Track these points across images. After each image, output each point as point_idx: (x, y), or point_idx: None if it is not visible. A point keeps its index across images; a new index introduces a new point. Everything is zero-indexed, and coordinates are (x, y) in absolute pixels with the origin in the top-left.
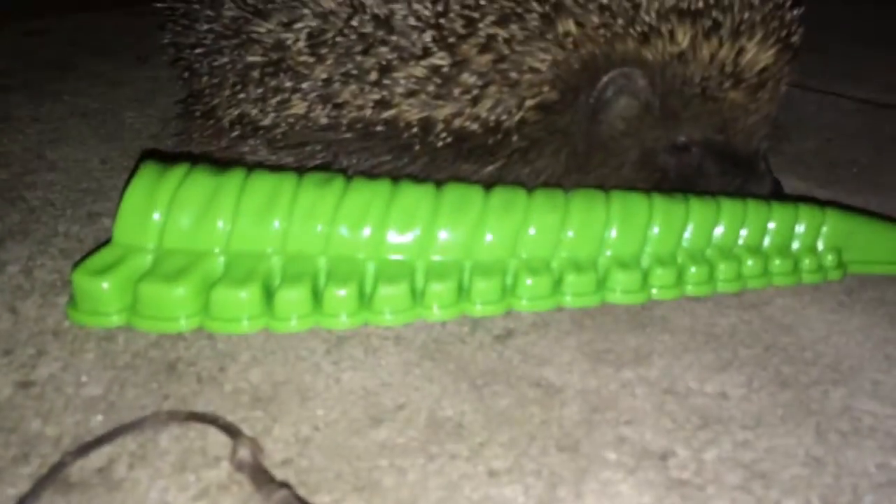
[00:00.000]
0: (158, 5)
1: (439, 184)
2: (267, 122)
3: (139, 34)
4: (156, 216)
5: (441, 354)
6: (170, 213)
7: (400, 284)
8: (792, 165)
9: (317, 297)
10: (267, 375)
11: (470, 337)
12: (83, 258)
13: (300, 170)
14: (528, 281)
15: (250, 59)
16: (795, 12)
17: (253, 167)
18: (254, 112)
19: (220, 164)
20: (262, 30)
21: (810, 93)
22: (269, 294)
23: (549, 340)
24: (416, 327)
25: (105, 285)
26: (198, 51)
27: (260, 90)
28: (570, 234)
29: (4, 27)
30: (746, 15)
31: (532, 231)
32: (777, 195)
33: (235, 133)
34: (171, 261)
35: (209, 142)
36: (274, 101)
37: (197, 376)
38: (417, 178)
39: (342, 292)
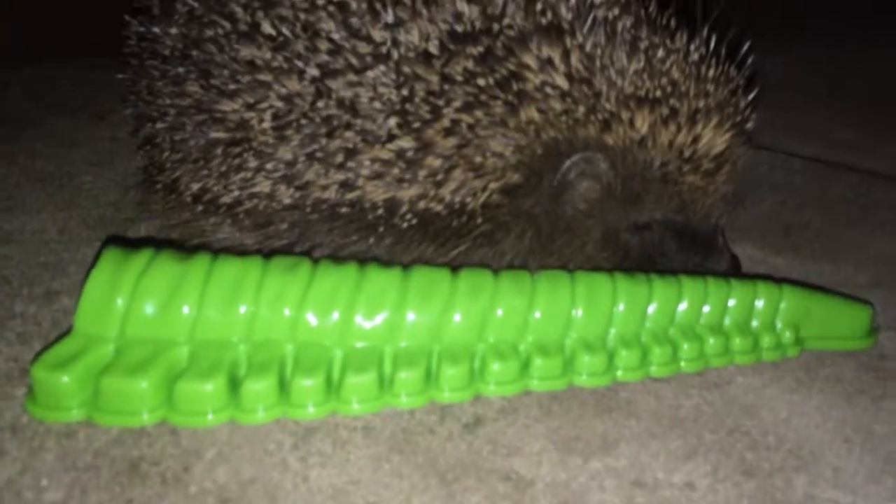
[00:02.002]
0: (119, 77)
1: (406, 267)
2: (230, 199)
3: (97, 88)
4: (118, 305)
5: (410, 446)
6: (133, 301)
7: (368, 373)
8: (748, 231)
9: (284, 386)
10: (233, 474)
11: (439, 426)
12: (43, 349)
13: (265, 252)
14: (496, 366)
15: (214, 135)
16: (749, 97)
17: (218, 251)
18: (216, 188)
19: (185, 247)
20: (226, 108)
21: (762, 151)
22: (234, 384)
23: (517, 428)
24: (385, 416)
25: (66, 379)
26: (160, 125)
27: (223, 167)
28: (537, 317)
29: None
30: (702, 103)
31: (499, 315)
32: (735, 270)
33: (198, 208)
34: (133, 352)
35: (171, 215)
36: (237, 178)
37: (161, 476)
38: (384, 262)
39: (309, 382)
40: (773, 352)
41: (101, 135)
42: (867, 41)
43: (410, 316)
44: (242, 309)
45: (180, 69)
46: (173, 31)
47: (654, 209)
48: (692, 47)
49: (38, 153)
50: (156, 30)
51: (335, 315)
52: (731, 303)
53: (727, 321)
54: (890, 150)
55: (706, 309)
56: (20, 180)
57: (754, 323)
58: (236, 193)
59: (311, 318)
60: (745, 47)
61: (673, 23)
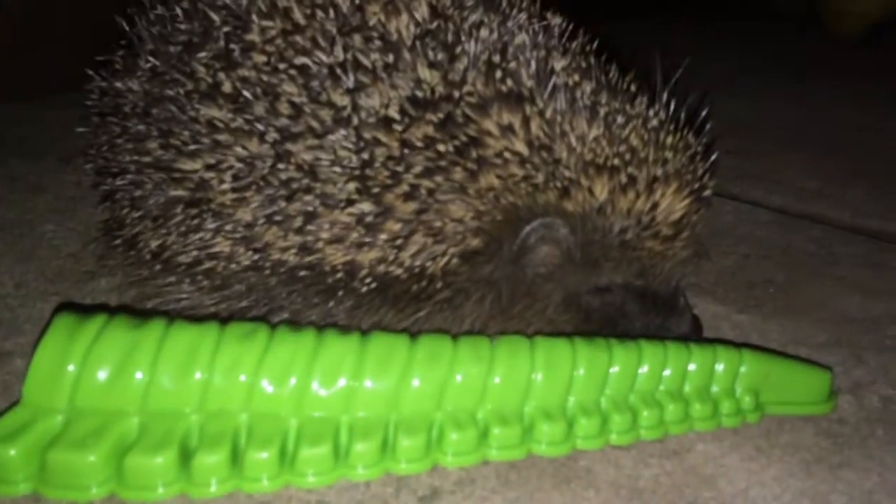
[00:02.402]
0: (80, 130)
1: (364, 333)
2: (188, 258)
3: (63, 129)
4: (68, 375)
5: None
6: (83, 370)
7: (323, 444)
8: (711, 287)
9: (237, 458)
10: None
11: (394, 499)
12: None
13: (224, 315)
14: (454, 436)
15: (173, 193)
16: (707, 163)
17: (175, 313)
18: (176, 247)
19: (142, 310)
20: (186, 168)
21: (727, 201)
22: (186, 457)
23: (475, 500)
24: (340, 488)
25: (12, 452)
26: (119, 181)
27: (182, 227)
28: (496, 384)
29: None
30: (660, 170)
31: (458, 382)
32: (696, 331)
33: (157, 266)
34: (82, 423)
35: (130, 271)
36: (196, 237)
37: None
38: (342, 327)
39: (263, 455)
40: (733, 418)
41: (66, 179)
42: (822, 87)
43: (368, 384)
44: (196, 377)
45: (141, 126)
46: (135, 87)
47: (615, 273)
48: (651, 113)
49: (0, 199)
50: (118, 84)
51: (291, 383)
52: (692, 367)
53: (687, 387)
54: (852, 198)
55: (666, 373)
56: None
57: (714, 388)
58: (195, 253)
59: (267, 387)
60: (704, 113)
61: (633, 87)
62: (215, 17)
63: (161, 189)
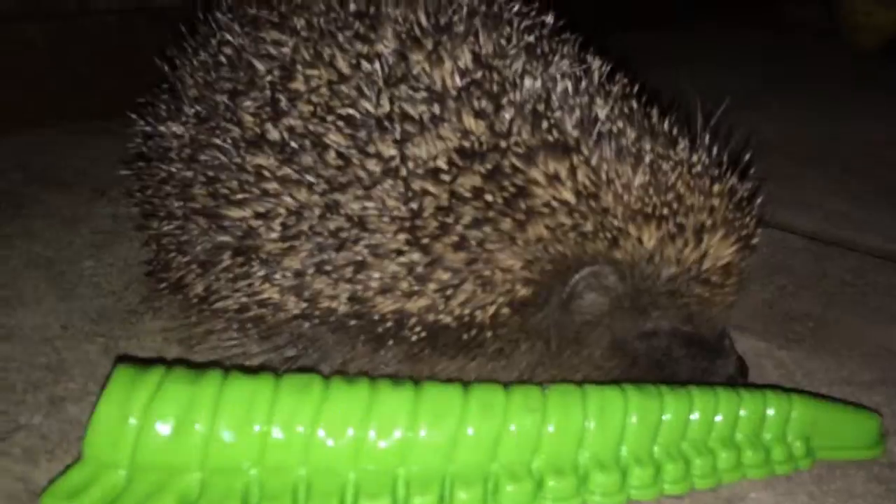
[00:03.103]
0: (123, 173)
1: (416, 383)
2: (236, 304)
3: (92, 157)
4: (130, 430)
5: None
6: (144, 425)
7: (382, 499)
8: (751, 322)
9: None
10: None
11: None
12: (53, 479)
13: (272, 363)
14: (510, 487)
15: (221, 239)
16: (754, 210)
17: (226, 366)
18: (223, 292)
19: (193, 362)
20: (233, 215)
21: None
22: None
23: None
24: None
25: None
26: (166, 226)
27: (230, 273)
28: (550, 434)
29: None
30: (708, 219)
31: (512, 433)
32: (742, 372)
33: (204, 311)
34: (145, 479)
35: (177, 314)
36: (244, 284)
37: None
38: (393, 377)
39: None
40: (784, 464)
41: (101, 212)
42: (843, 103)
43: (423, 435)
44: (255, 430)
45: (187, 173)
46: (180, 132)
47: (662, 319)
48: (695, 157)
49: (36, 235)
50: (162, 129)
51: (348, 435)
52: (742, 413)
53: (739, 434)
54: (881, 221)
55: (718, 420)
56: (20, 266)
57: (766, 435)
58: (243, 300)
59: (324, 439)
60: (748, 156)
61: (675, 130)
62: (260, 66)
63: (208, 235)
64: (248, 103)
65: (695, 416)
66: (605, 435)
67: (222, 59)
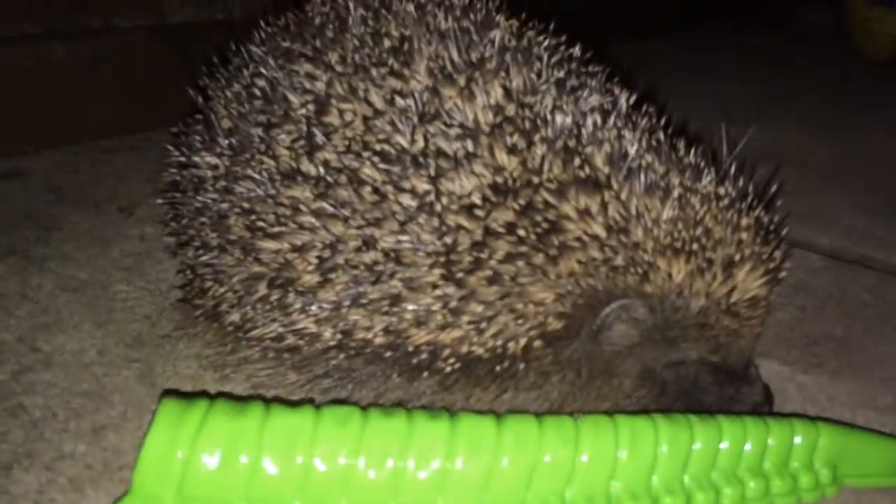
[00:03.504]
0: (159, 202)
1: (451, 414)
2: (272, 334)
3: (118, 176)
4: (177, 463)
5: None
6: (191, 458)
7: None
8: (773, 346)
9: None
10: None
11: None
12: None
13: (307, 392)
14: None
15: (257, 269)
16: (782, 245)
17: (267, 400)
18: (259, 322)
19: (233, 394)
20: (270, 247)
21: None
22: None
23: None
24: None
25: None
26: (201, 255)
27: (266, 304)
28: (583, 464)
29: None
30: (736, 253)
31: (546, 464)
32: (768, 400)
33: (240, 340)
34: None
35: (212, 342)
36: (280, 314)
37: None
38: (429, 409)
39: None
40: (811, 492)
41: (130, 233)
42: (858, 114)
43: (460, 466)
44: (297, 462)
45: (223, 204)
46: (213, 162)
47: (690, 350)
48: (722, 190)
49: (69, 257)
50: (196, 159)
51: (388, 467)
52: (770, 442)
53: (767, 462)
54: None
55: (747, 448)
56: (55, 290)
57: (793, 463)
58: (280, 329)
59: (365, 471)
60: (774, 188)
61: (701, 161)
62: (294, 99)
63: (244, 266)
64: (283, 136)
65: (724, 445)
66: (636, 465)
67: (256, 91)
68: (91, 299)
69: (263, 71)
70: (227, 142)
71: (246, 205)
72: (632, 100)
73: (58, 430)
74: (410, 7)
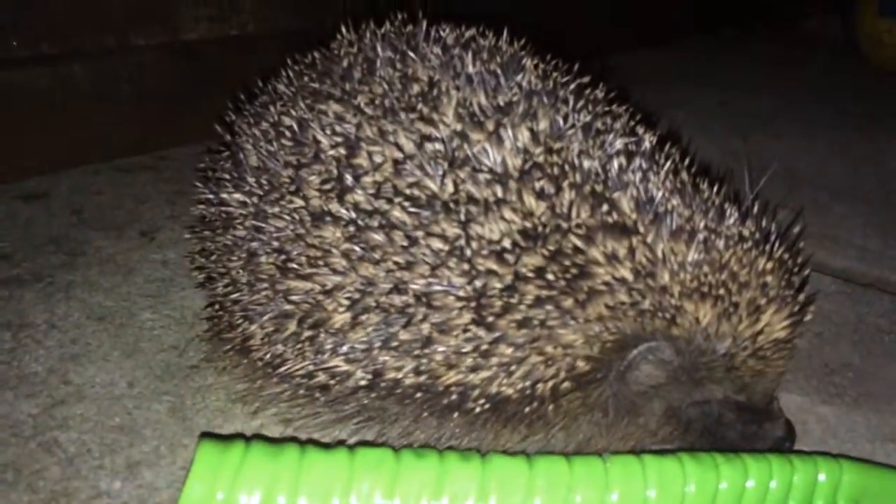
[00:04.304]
0: (186, 236)
1: (482, 455)
2: (303, 371)
3: (137, 198)
4: None
5: None
6: (230, 501)
7: None
8: (792, 374)
9: None
10: None
11: None
12: None
13: (342, 441)
14: None
15: (287, 308)
16: (806, 291)
17: (302, 441)
18: (289, 359)
19: (267, 436)
20: (301, 287)
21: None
22: None
23: None
24: None
25: None
26: (231, 293)
27: (297, 344)
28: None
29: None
30: (762, 297)
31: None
32: (790, 435)
33: (271, 376)
34: None
35: (240, 375)
36: (310, 352)
37: None
38: (459, 450)
39: None
40: None
41: (152, 258)
42: (868, 127)
43: None
44: None
45: (253, 243)
46: (244, 200)
47: (716, 390)
48: (746, 231)
49: (94, 284)
50: (224, 196)
51: None
52: (796, 480)
53: (791, 501)
54: None
55: (772, 486)
56: (82, 318)
57: (818, 502)
58: (310, 367)
59: None
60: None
61: (724, 202)
62: (324, 140)
63: (274, 304)
64: (313, 177)
65: (750, 483)
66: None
67: (284, 130)
68: (118, 328)
69: (292, 110)
70: (255, 180)
71: (276, 244)
72: (654, 139)
73: (93, 466)
74: (437, 49)
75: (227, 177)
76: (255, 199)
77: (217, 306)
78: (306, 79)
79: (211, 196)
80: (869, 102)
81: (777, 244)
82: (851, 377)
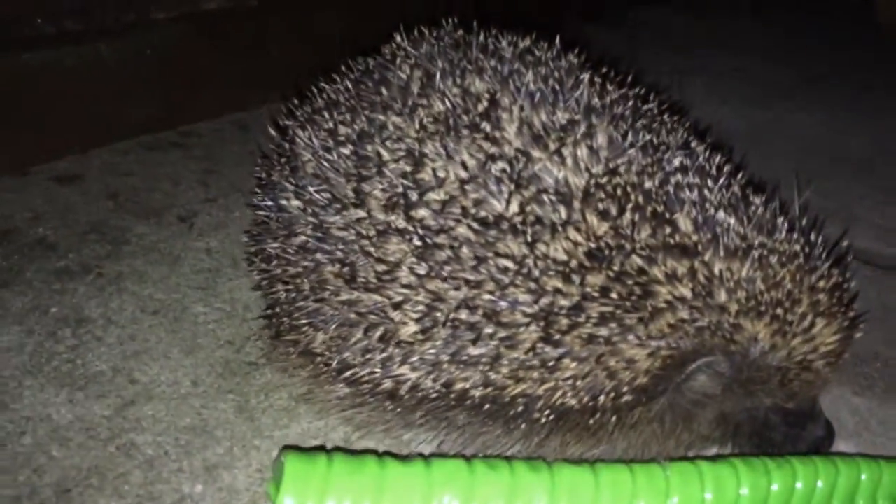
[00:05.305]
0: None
1: (549, 464)
2: (370, 378)
3: (170, 178)
4: None
5: None
6: None
7: None
8: None
9: None
10: None
11: None
12: None
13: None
14: None
15: (354, 317)
16: (857, 308)
17: (381, 455)
18: (356, 365)
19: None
20: (369, 301)
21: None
22: None
23: None
24: None
25: None
26: (296, 302)
27: (367, 353)
28: None
29: (31, 168)
30: (817, 317)
31: None
32: (830, 434)
33: (336, 380)
34: None
35: (304, 379)
36: (378, 360)
37: None
38: (527, 459)
39: None
40: None
41: (195, 246)
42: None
43: None
44: None
45: (317, 254)
46: (305, 208)
47: (767, 399)
48: (797, 246)
49: (143, 275)
50: (284, 202)
51: None
52: (840, 480)
53: (835, 501)
54: None
55: (819, 486)
56: (137, 313)
57: (859, 501)
58: (377, 374)
59: None
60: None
61: (775, 214)
62: (385, 154)
63: (341, 314)
64: (376, 192)
65: (799, 485)
66: None
67: (343, 139)
68: (172, 322)
69: (350, 119)
70: (315, 189)
71: (339, 254)
72: (708, 153)
73: (173, 469)
74: (494, 62)
75: (286, 184)
76: (316, 209)
77: (277, 308)
78: (363, 87)
79: (270, 203)
80: (883, 69)
81: (827, 260)
82: (880, 367)
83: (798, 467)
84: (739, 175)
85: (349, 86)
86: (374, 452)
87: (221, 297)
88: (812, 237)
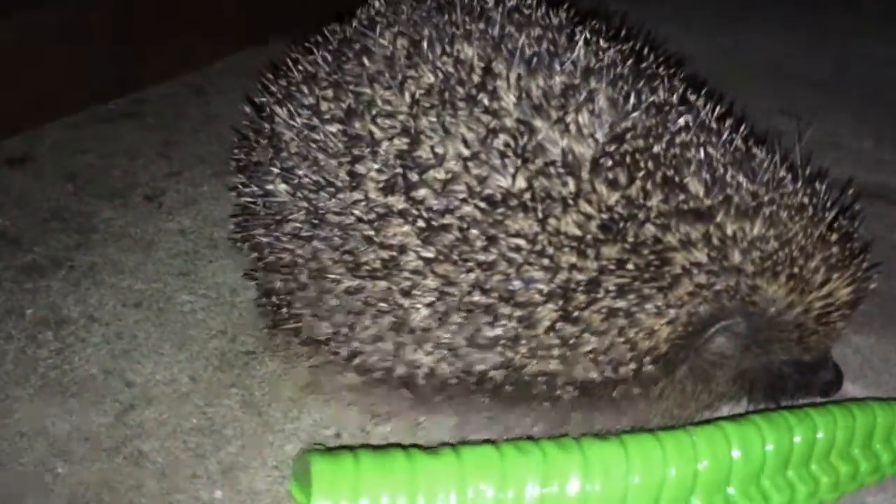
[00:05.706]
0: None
1: (577, 440)
2: (383, 365)
3: (128, 152)
4: None
5: None
6: None
7: None
8: None
9: None
10: None
11: None
12: None
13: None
14: None
15: (360, 304)
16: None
17: (407, 448)
18: (367, 353)
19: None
20: (376, 289)
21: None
22: None
23: None
24: None
25: None
26: (297, 292)
27: (378, 342)
28: (703, 473)
29: None
30: (831, 271)
31: (672, 478)
32: (839, 377)
33: (345, 368)
34: None
35: (309, 367)
36: (390, 346)
37: None
38: (554, 438)
39: None
40: (893, 466)
41: (167, 227)
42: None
43: (598, 489)
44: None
45: (315, 242)
46: (295, 192)
47: (783, 354)
48: (805, 199)
49: (117, 264)
50: (269, 187)
51: (535, 495)
52: (857, 427)
53: (854, 447)
54: None
55: (838, 436)
56: (118, 307)
57: (875, 444)
58: (390, 361)
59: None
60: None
61: (780, 167)
62: (378, 132)
63: (346, 302)
64: (372, 173)
65: (819, 435)
66: (748, 465)
67: (328, 116)
68: (157, 314)
69: (333, 94)
70: (303, 171)
71: (338, 240)
72: (708, 107)
73: (188, 476)
74: (482, 24)
75: (269, 167)
76: (306, 193)
77: (273, 297)
78: (343, 58)
79: (255, 188)
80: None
81: (835, 210)
82: (878, 302)
83: (817, 419)
84: (741, 128)
85: (327, 57)
86: (395, 444)
87: (205, 282)
88: (817, 186)
